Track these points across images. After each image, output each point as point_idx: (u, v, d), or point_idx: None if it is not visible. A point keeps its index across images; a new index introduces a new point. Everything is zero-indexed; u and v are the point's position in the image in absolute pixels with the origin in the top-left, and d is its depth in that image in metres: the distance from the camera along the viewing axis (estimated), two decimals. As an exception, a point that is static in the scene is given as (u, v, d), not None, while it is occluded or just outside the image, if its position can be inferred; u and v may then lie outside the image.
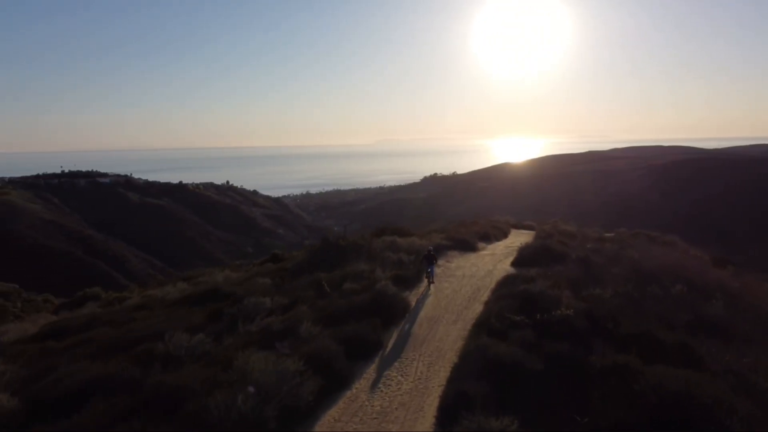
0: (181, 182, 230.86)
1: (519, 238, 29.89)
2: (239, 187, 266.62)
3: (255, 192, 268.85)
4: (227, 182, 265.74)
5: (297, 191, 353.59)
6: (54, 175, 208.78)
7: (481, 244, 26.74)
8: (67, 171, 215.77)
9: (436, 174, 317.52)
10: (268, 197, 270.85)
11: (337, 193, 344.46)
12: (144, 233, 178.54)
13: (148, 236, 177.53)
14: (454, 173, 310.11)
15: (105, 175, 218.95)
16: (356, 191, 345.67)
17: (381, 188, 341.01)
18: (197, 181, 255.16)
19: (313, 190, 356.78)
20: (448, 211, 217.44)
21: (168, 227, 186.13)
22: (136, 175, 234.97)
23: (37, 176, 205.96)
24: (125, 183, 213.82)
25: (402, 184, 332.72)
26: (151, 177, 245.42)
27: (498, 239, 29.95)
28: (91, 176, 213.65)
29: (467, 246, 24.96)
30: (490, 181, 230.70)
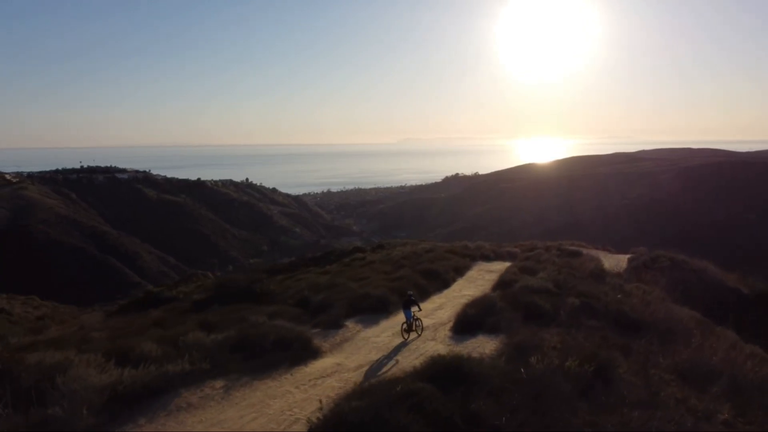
0: (199, 179, 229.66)
1: (465, 292, 18.39)
2: (258, 184, 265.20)
3: (274, 189, 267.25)
4: (246, 179, 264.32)
5: (318, 189, 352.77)
6: (73, 171, 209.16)
7: (349, 327, 13.88)
8: (86, 166, 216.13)
9: (457, 174, 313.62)
10: (287, 195, 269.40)
11: (358, 192, 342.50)
12: (160, 230, 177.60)
13: (164, 233, 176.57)
14: (475, 173, 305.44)
15: (123, 170, 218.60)
16: (377, 190, 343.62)
17: (402, 188, 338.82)
18: (219, 177, 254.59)
19: (335, 189, 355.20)
20: (467, 212, 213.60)
21: (184, 224, 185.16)
22: (155, 172, 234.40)
23: (56, 171, 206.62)
24: (143, 179, 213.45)
25: (423, 183, 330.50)
26: (172, 173, 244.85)
27: (420, 298, 16.13)
28: (109, 172, 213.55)
29: (298, 351, 11.15)
30: (513, 182, 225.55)
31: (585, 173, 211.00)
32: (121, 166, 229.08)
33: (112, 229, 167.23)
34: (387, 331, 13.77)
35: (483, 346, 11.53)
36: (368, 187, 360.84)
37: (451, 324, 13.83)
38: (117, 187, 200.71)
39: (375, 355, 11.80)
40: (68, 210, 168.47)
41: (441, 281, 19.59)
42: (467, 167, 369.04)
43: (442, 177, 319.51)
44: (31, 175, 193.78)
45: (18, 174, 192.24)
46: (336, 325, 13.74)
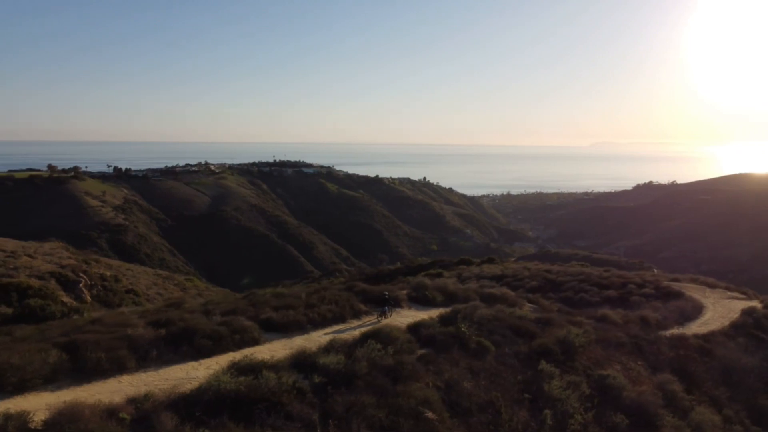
0: (377, 176, 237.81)
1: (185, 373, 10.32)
2: (435, 183, 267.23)
3: (450, 189, 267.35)
4: (424, 178, 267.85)
5: (498, 191, 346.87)
6: (266, 164, 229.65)
7: None
8: (278, 160, 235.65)
9: (651, 182, 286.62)
10: (463, 195, 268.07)
11: (539, 196, 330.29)
12: (336, 222, 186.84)
13: (340, 225, 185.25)
14: (672, 182, 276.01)
15: (310, 165, 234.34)
16: (559, 195, 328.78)
17: (587, 194, 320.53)
18: (398, 175, 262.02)
19: (515, 192, 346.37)
20: (659, 225, 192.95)
21: (359, 218, 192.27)
22: (339, 167, 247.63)
23: (253, 164, 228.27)
24: (327, 174, 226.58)
25: (611, 191, 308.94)
26: (355, 170, 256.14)
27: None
28: (297, 166, 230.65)
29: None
30: (714, 195, 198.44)
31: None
32: (308, 161, 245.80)
33: (293, 219, 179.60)
34: None
35: None
36: (551, 191, 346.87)
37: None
38: (303, 180, 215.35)
39: None
40: (258, 199, 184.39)
41: (209, 348, 11.04)
42: (664, 175, 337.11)
43: (634, 184, 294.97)
44: (231, 167, 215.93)
45: (221, 165, 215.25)
46: None
